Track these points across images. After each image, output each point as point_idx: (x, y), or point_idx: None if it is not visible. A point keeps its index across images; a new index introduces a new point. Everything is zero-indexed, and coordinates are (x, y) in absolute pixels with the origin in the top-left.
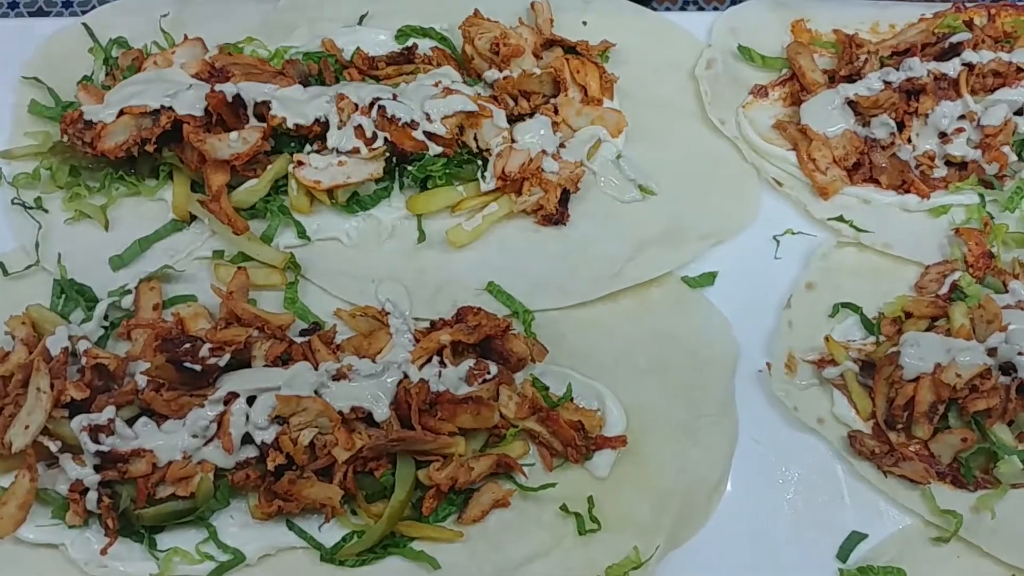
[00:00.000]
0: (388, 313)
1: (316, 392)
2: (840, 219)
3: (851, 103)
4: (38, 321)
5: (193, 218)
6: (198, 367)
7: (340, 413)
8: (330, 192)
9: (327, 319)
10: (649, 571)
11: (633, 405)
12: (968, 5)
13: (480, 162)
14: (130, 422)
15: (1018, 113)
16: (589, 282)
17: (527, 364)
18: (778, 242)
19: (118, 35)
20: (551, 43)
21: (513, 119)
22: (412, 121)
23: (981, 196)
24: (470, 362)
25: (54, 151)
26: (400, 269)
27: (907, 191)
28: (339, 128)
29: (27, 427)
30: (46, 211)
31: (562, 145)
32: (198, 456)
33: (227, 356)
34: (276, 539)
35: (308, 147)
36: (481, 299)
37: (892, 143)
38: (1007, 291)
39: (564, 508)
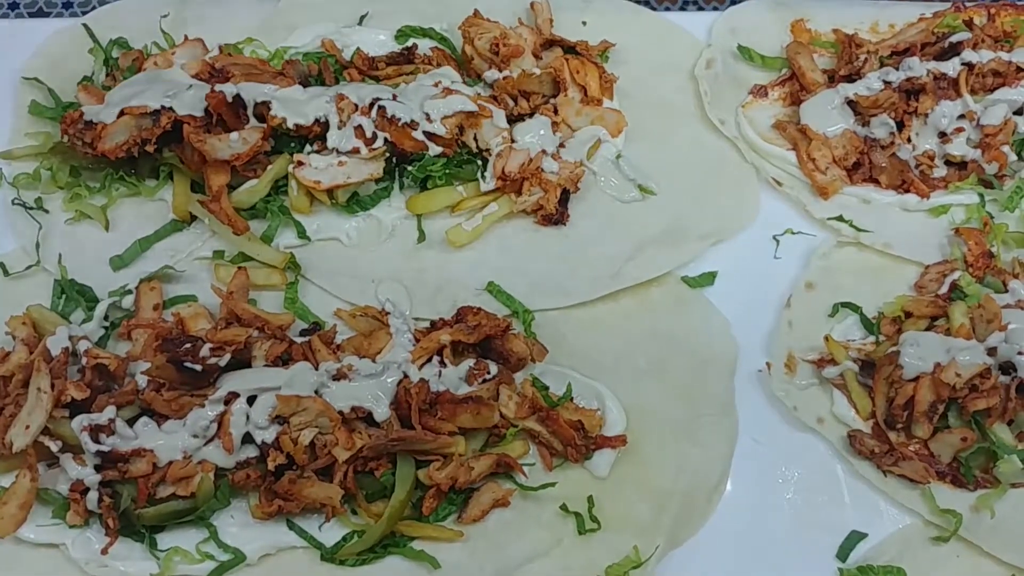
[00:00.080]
0: (388, 313)
1: (316, 392)
2: (840, 219)
3: (851, 103)
4: (39, 321)
5: (193, 218)
6: (198, 367)
7: (340, 413)
8: (330, 192)
9: (327, 319)
10: (649, 571)
11: (633, 405)
12: (968, 5)
13: (480, 162)
14: (130, 422)
15: (1018, 113)
16: (589, 282)
17: (527, 364)
18: (778, 242)
19: (118, 35)
20: (551, 43)
21: (513, 119)
22: (412, 121)
23: (981, 196)
24: (470, 362)
25: (54, 151)
26: (400, 269)
27: (907, 191)
28: (339, 128)
29: (28, 427)
30: (46, 211)
31: (562, 145)
32: (198, 456)
33: (227, 356)
34: (276, 539)
35: (308, 147)
36: (481, 299)
37: (892, 143)
38: (1007, 291)
39: (564, 508)
